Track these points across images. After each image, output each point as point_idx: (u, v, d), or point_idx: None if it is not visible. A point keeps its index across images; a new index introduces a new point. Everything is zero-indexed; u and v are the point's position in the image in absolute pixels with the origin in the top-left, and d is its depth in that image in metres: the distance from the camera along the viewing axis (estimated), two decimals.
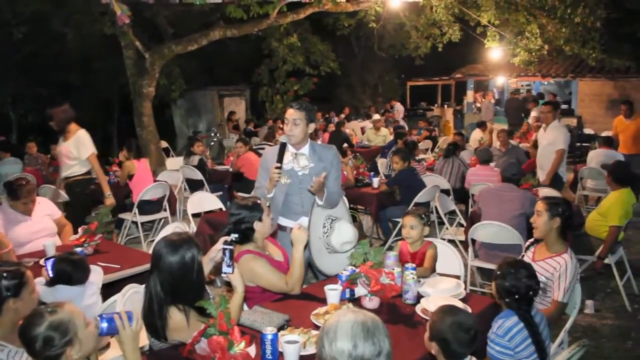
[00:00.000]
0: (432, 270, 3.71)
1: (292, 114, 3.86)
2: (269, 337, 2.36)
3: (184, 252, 2.57)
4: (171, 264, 2.55)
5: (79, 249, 3.83)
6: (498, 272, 2.77)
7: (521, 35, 12.28)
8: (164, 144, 12.88)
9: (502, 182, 5.35)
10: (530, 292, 2.70)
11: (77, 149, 5.92)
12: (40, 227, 4.53)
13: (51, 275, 3.16)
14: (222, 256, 2.69)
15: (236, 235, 3.02)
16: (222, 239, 2.83)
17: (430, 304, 2.85)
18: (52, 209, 4.73)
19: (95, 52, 14.27)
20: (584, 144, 14.30)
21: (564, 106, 17.50)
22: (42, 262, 3.46)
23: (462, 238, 5.78)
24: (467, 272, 5.08)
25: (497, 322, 2.64)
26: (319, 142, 11.04)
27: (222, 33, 11.36)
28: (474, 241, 5.07)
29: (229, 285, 2.89)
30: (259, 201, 3.28)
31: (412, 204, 6.24)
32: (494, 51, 14.53)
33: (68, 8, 11.99)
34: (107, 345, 3.08)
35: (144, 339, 2.60)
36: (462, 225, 6.45)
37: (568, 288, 3.29)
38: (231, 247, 2.67)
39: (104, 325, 2.17)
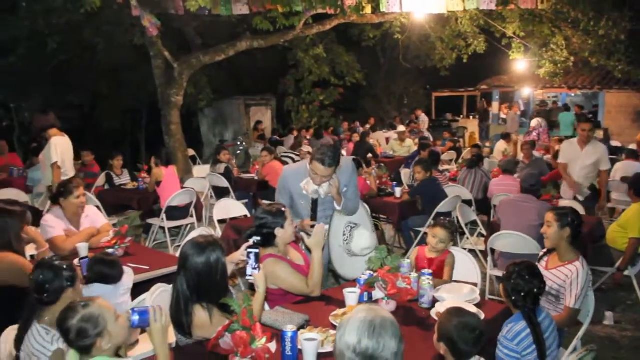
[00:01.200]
0: (450, 279, 3.81)
1: (322, 171, 3.85)
2: (289, 334, 2.50)
3: (210, 254, 2.72)
4: (197, 265, 2.71)
5: (110, 250, 4.01)
6: (505, 274, 2.86)
7: (546, 47, 12.29)
8: (191, 152, 13.12)
9: (522, 193, 5.40)
10: (535, 290, 2.80)
11: (44, 155, 6.26)
12: None
13: (85, 274, 3.34)
14: (247, 259, 2.83)
15: (258, 238, 3.17)
16: (246, 244, 2.97)
17: (444, 308, 2.95)
18: (98, 220, 4.78)
19: (125, 62, 14.61)
20: (610, 157, 14.17)
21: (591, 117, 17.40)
22: (76, 262, 3.65)
23: (482, 248, 5.85)
24: (487, 281, 5.17)
25: (507, 326, 2.73)
26: (343, 152, 11.21)
27: (249, 44, 11.61)
28: (493, 251, 5.14)
29: (252, 289, 3.03)
30: (283, 209, 3.41)
31: (433, 214, 6.33)
32: (519, 62, 14.55)
33: (100, 19, 12.35)
34: (136, 342, 3.25)
35: (172, 336, 2.75)
36: (482, 236, 6.51)
37: (580, 295, 3.37)
38: (256, 250, 2.82)
39: (136, 317, 2.32)
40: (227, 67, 14.42)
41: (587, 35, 11.26)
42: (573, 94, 19.78)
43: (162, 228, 7.03)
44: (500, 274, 5.12)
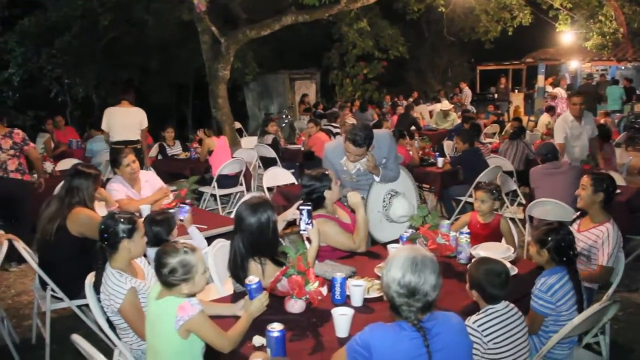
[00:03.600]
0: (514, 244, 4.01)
1: (354, 150, 4.05)
2: (339, 280, 2.80)
3: (261, 214, 3.02)
4: (251, 224, 3.01)
5: (171, 211, 4.36)
6: (542, 232, 3.05)
7: (594, 18, 12.09)
8: (237, 125, 13.46)
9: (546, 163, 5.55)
10: (573, 243, 3.04)
11: None
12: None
13: None
14: (300, 216, 3.12)
15: (309, 204, 3.46)
16: (298, 202, 3.26)
17: None
18: (156, 184, 5.14)
19: (173, 38, 15.00)
20: None
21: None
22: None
23: (521, 216, 6.02)
24: (524, 246, 5.37)
25: (540, 280, 2.95)
26: (387, 124, 11.34)
27: (294, 18, 11.77)
28: (531, 218, 5.32)
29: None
30: (326, 171, 3.68)
31: (474, 183, 6.51)
32: (566, 35, 14.33)
33: None
34: None
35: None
36: (522, 205, 6.66)
37: (612, 253, 3.57)
38: (309, 207, 3.10)
39: (254, 286, 2.59)
40: (272, 41, 14.62)
41: (637, 4, 11.03)
42: (623, 67, 19.32)
43: (213, 196, 7.40)
44: None
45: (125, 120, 7.34)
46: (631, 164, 8.56)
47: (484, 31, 14.57)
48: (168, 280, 2.47)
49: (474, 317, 2.59)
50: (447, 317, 2.16)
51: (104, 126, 7.36)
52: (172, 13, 12.75)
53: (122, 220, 2.95)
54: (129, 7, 13.52)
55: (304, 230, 3.13)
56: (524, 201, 6.66)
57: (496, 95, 19.00)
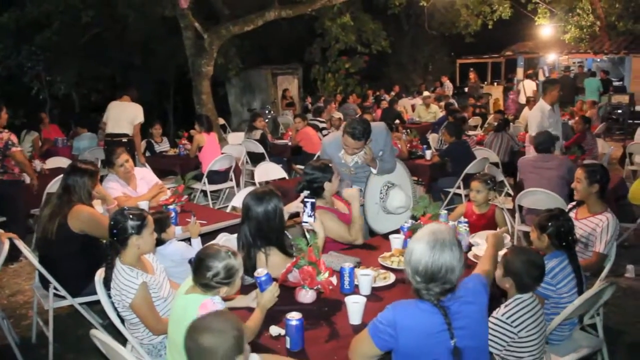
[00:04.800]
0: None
1: (352, 144, 4.14)
2: (347, 270, 2.89)
3: (267, 203, 3.10)
4: (257, 214, 3.09)
5: (171, 207, 4.41)
6: (542, 219, 3.19)
7: (572, 12, 12.32)
8: (221, 121, 13.46)
9: (537, 154, 5.68)
10: (573, 229, 3.19)
11: None
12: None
13: None
14: (303, 208, 3.19)
15: (308, 192, 3.54)
16: (303, 194, 3.33)
17: (480, 251, 3.30)
18: (152, 181, 5.19)
19: (155, 34, 14.90)
20: (636, 121, 14.26)
21: (617, 83, 17.38)
22: None
23: (509, 206, 6.15)
24: (515, 235, 5.50)
25: None
26: (370, 118, 11.43)
27: (277, 13, 11.79)
28: (520, 208, 5.45)
29: (303, 235, 3.40)
30: (330, 164, 3.76)
31: (462, 175, 6.64)
32: (545, 28, 14.57)
33: None
34: None
35: None
36: (510, 195, 6.81)
37: (609, 242, 3.71)
38: (313, 200, 3.18)
39: (263, 278, 2.62)
40: (253, 36, 14.60)
41: None
42: (599, 59, 19.67)
43: (204, 191, 7.43)
44: (527, 229, 5.45)
45: (120, 114, 7.59)
46: (611, 154, 8.76)
47: (465, 25, 14.76)
48: (210, 283, 2.49)
49: (502, 310, 2.67)
50: (466, 291, 2.23)
51: (104, 119, 7.78)
52: (155, 9, 12.68)
53: (131, 216, 2.97)
54: (111, 3, 13.42)
55: (306, 222, 3.21)
56: (511, 192, 6.81)
57: (466, 90, 19.15)
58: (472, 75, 18.81)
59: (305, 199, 3.20)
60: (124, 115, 7.57)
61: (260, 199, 3.12)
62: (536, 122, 6.49)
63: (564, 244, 3.11)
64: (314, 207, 3.19)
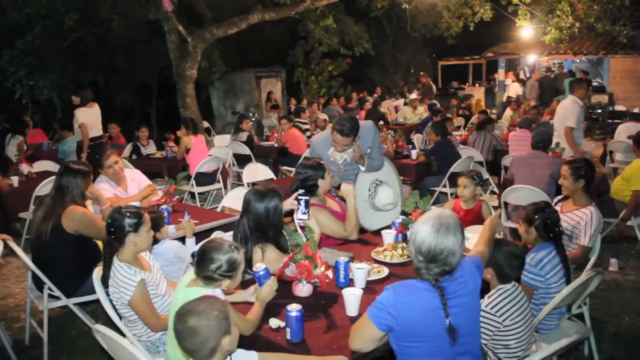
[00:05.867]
0: None
1: (341, 140, 4.23)
2: (342, 263, 2.96)
3: (269, 200, 3.16)
4: (257, 209, 3.15)
5: (163, 207, 4.45)
6: (530, 212, 3.28)
7: (552, 14, 12.51)
8: (206, 124, 13.47)
9: (532, 150, 5.79)
10: (559, 221, 3.29)
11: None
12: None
13: None
14: (297, 205, 3.25)
15: (303, 191, 3.59)
16: (296, 192, 3.39)
17: (470, 245, 3.37)
18: (143, 182, 5.21)
19: (138, 38, 14.87)
20: (615, 120, 14.52)
21: (595, 83, 17.65)
22: None
23: (494, 203, 6.27)
24: (500, 232, 5.60)
25: (529, 255, 3.18)
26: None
27: (261, 16, 11.86)
28: (506, 204, 5.56)
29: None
30: (322, 161, 3.82)
31: (447, 174, 6.74)
32: (525, 29, 14.78)
33: None
34: None
35: None
36: (494, 193, 6.92)
37: (593, 235, 3.82)
38: (307, 197, 3.24)
39: (262, 273, 2.68)
40: (236, 40, 14.64)
41: (592, 1, 11.48)
42: (578, 60, 19.98)
43: (191, 193, 7.45)
44: (513, 225, 5.56)
45: (94, 120, 8.15)
46: (592, 152, 8.94)
47: (446, 27, 14.90)
48: (213, 275, 2.53)
49: (486, 300, 2.75)
50: (462, 271, 2.31)
51: (82, 120, 7.91)
52: (138, 12, 12.67)
53: (128, 214, 3.01)
54: (94, 6, 13.37)
55: (300, 220, 3.27)
56: (496, 190, 6.93)
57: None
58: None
59: (300, 197, 3.26)
60: (95, 119, 8.16)
61: (262, 195, 3.18)
62: (576, 115, 7.02)
63: (551, 235, 3.21)
64: (307, 204, 3.25)
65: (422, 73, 19.63)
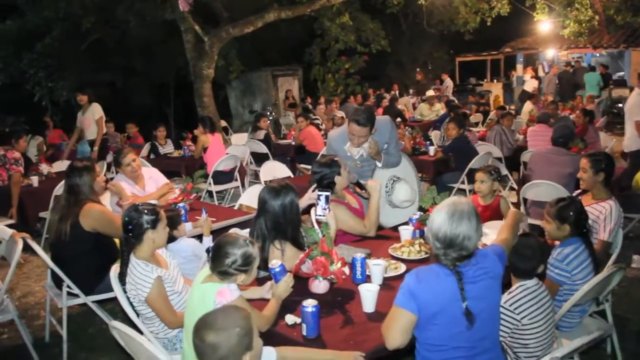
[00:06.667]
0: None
1: (358, 131, 4.20)
2: (359, 260, 2.93)
3: (284, 197, 3.15)
4: (273, 207, 3.13)
5: (180, 205, 4.45)
6: (567, 212, 3.19)
7: (571, 7, 12.35)
8: (223, 123, 13.51)
9: (552, 146, 5.70)
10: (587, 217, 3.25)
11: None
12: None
13: None
14: (317, 201, 3.23)
15: (328, 190, 3.58)
16: (313, 187, 3.37)
17: (488, 241, 3.33)
18: (160, 180, 5.22)
19: (155, 38, 14.99)
20: None
21: (616, 77, 17.41)
22: None
23: (514, 200, 6.20)
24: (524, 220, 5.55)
25: (556, 250, 3.13)
26: None
27: (277, 15, 11.86)
28: (525, 200, 5.49)
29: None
30: (336, 158, 3.80)
31: (466, 170, 6.68)
32: (543, 24, 14.62)
33: None
34: None
35: None
36: (513, 189, 6.85)
37: (613, 229, 3.73)
38: (327, 193, 3.22)
39: (278, 269, 2.67)
40: (252, 39, 14.69)
41: None
42: (598, 54, 19.69)
43: (209, 192, 7.47)
44: (532, 221, 5.49)
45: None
46: (613, 147, 8.79)
47: (463, 22, 14.79)
48: (228, 270, 2.51)
49: (506, 297, 2.71)
50: (483, 259, 2.34)
51: (100, 114, 8.23)
52: (155, 13, 12.75)
53: (145, 211, 3.02)
54: (111, 8, 13.49)
55: (320, 215, 3.25)
56: (515, 186, 6.85)
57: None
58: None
59: (320, 192, 3.24)
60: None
61: (277, 192, 3.16)
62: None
63: (584, 230, 3.17)
64: (328, 199, 3.24)
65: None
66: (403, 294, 2.27)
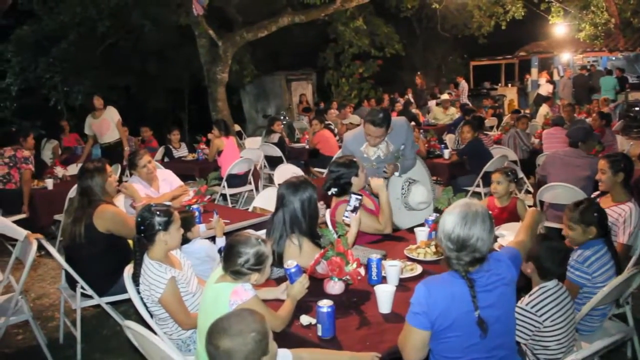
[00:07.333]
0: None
1: (373, 131, 4.21)
2: (375, 261, 2.90)
3: (303, 192, 3.17)
4: (293, 202, 3.15)
5: (194, 207, 4.45)
6: (591, 215, 3.14)
7: (586, 9, 12.24)
8: (237, 127, 13.54)
9: (569, 147, 5.63)
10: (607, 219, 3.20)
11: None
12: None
13: None
14: (349, 202, 3.24)
15: (335, 190, 3.56)
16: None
17: (505, 242, 3.29)
18: (174, 182, 5.23)
19: (170, 43, 15.06)
20: None
21: (633, 80, 17.23)
22: None
23: (529, 203, 6.12)
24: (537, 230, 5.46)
25: (576, 252, 3.09)
26: None
27: (290, 19, 11.86)
28: (542, 203, 5.42)
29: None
30: (354, 159, 3.78)
31: (481, 173, 6.62)
32: (559, 27, 14.50)
33: (146, 1, 12.83)
34: None
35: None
36: (529, 192, 6.77)
37: (632, 232, 3.67)
38: (360, 197, 3.25)
39: (293, 270, 2.66)
40: (266, 43, 14.71)
41: None
42: (614, 57, 19.52)
43: (223, 195, 7.47)
44: (549, 224, 5.41)
45: None
46: (630, 150, 8.69)
47: (477, 26, 14.72)
48: (241, 270, 2.50)
49: (526, 299, 2.68)
50: (496, 264, 2.28)
51: (118, 117, 8.29)
52: (169, 18, 12.81)
53: (158, 212, 3.00)
54: (126, 13, 13.59)
55: (347, 217, 3.25)
56: (531, 189, 6.78)
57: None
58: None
59: (354, 194, 3.28)
60: None
61: (295, 187, 3.19)
62: None
63: (608, 231, 3.15)
64: (359, 204, 3.27)
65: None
66: (414, 311, 2.19)
